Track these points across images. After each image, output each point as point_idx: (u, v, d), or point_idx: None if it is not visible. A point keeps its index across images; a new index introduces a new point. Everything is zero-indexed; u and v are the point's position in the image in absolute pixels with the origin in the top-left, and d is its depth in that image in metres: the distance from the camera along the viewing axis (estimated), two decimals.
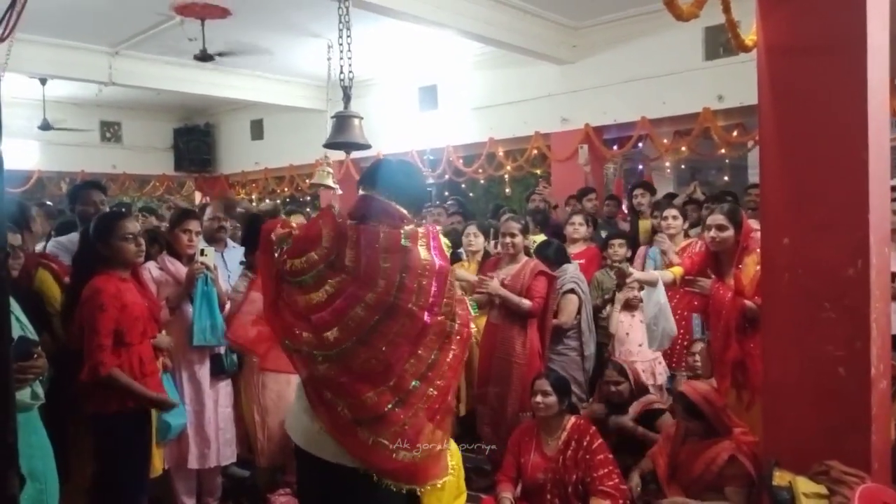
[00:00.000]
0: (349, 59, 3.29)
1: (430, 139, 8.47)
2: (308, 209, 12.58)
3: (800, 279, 2.74)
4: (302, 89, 8.90)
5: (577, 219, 5.32)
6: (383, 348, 2.09)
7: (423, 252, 2.18)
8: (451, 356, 2.19)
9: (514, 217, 4.48)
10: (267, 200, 11.46)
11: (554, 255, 4.45)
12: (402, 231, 2.19)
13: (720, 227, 3.51)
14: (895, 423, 3.35)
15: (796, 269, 2.74)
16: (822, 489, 2.59)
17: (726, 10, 2.78)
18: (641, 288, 3.71)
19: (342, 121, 3.42)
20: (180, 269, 3.76)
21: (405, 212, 2.24)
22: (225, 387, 3.97)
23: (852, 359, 2.64)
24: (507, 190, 9.58)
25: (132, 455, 3.01)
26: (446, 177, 8.71)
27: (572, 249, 5.19)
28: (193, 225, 3.82)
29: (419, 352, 2.14)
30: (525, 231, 4.30)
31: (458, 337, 2.22)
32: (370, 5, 5.16)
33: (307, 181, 10.05)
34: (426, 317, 2.13)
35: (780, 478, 2.70)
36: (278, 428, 3.96)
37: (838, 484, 2.56)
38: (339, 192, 7.78)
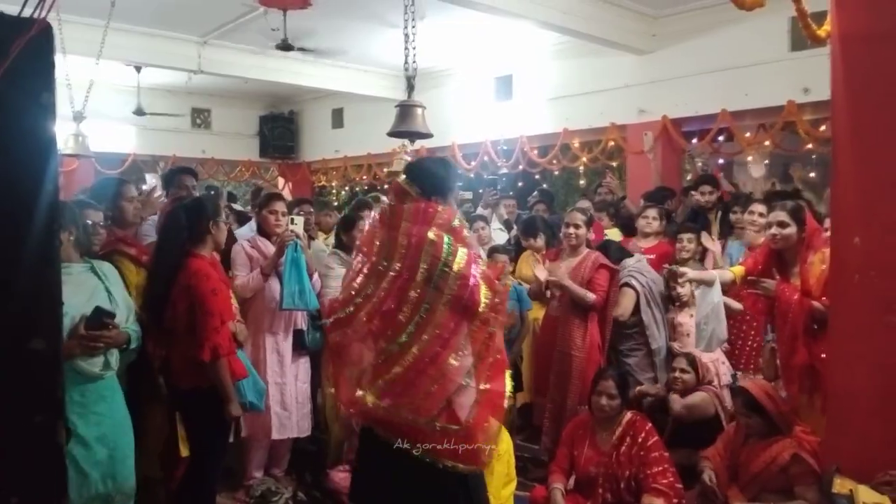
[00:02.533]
0: (414, 49, 3.34)
1: (504, 129, 8.43)
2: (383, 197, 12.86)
3: (870, 281, 2.62)
4: (380, 79, 9.04)
5: (651, 212, 5.20)
6: (371, 308, 2.32)
7: (404, 225, 2.35)
8: (435, 322, 2.26)
9: (577, 208, 4.44)
10: (346, 189, 11.74)
11: (614, 255, 4.39)
12: (389, 208, 2.46)
13: (781, 224, 3.37)
14: None
15: (867, 271, 2.62)
16: (886, 500, 2.48)
17: None
18: (697, 287, 3.59)
19: (405, 110, 3.49)
20: (270, 247, 4.00)
21: (413, 192, 2.45)
22: (305, 363, 4.20)
23: None
24: (582, 182, 9.46)
25: (218, 425, 3.15)
26: (520, 167, 8.67)
27: (643, 244, 5.11)
28: (280, 206, 4.08)
29: (403, 311, 2.27)
30: (589, 223, 4.26)
31: (448, 306, 2.28)
32: None
33: (384, 169, 10.21)
34: (400, 281, 2.29)
35: (841, 485, 2.60)
36: None
37: None
38: None
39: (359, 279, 2.42)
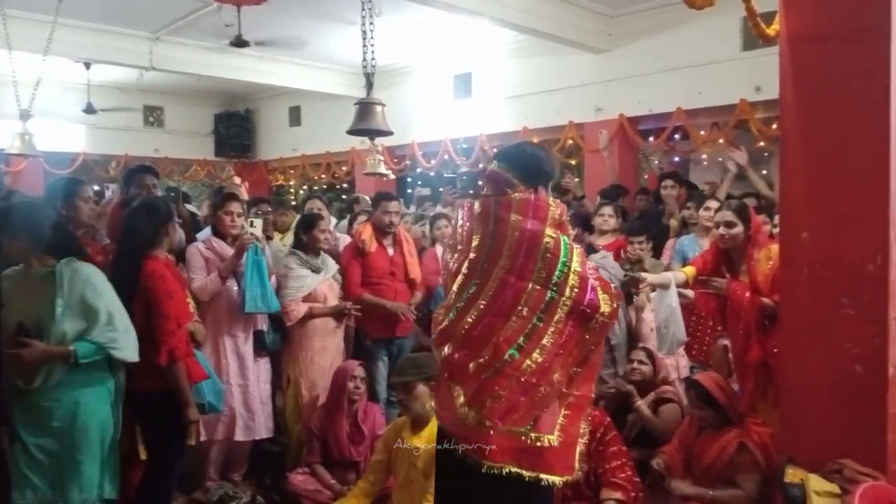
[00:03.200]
0: (372, 46, 3.32)
1: (463, 128, 8.45)
2: (344, 196, 12.75)
3: (819, 275, 2.68)
4: (338, 76, 8.97)
5: (607, 210, 5.27)
6: (476, 312, 2.14)
7: (514, 218, 2.19)
8: (552, 330, 2.12)
9: None
10: (304, 188, 11.62)
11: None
12: (491, 200, 2.27)
13: (728, 224, 3.44)
14: None
15: (815, 265, 2.69)
16: (835, 488, 2.55)
17: None
18: (653, 290, 3.63)
19: (365, 108, 3.46)
20: (224, 248, 3.94)
21: (515, 180, 2.28)
22: (265, 363, 4.20)
23: (870, 357, 2.59)
24: None
25: (175, 429, 3.09)
26: (480, 166, 8.69)
27: (600, 241, 5.16)
28: (235, 206, 4.01)
29: (512, 319, 2.11)
30: None
31: (566, 311, 2.14)
32: None
33: (343, 168, 10.14)
34: (513, 279, 2.13)
35: (793, 475, 2.66)
36: (312, 407, 4.15)
37: (851, 483, 2.52)
38: (392, 177, 7.83)
39: (458, 279, 2.25)
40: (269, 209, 5.12)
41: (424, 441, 3.21)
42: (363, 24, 3.33)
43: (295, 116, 10.76)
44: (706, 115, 6.68)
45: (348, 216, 6.29)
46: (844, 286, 2.62)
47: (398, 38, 7.39)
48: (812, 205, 2.69)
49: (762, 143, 6.66)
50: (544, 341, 2.10)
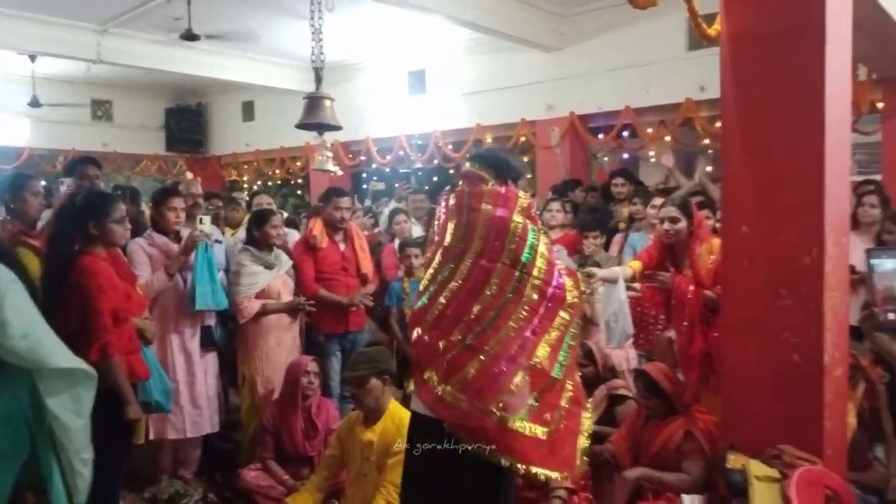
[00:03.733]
0: (321, 40, 3.31)
1: (418, 124, 8.47)
2: (299, 192, 12.65)
3: (758, 267, 2.78)
4: (291, 71, 8.87)
5: (555, 205, 5.35)
6: (448, 293, 2.23)
7: (485, 207, 2.29)
8: (525, 307, 2.18)
9: None
10: (258, 184, 11.48)
11: None
12: (465, 192, 2.37)
13: (672, 220, 3.54)
14: (856, 410, 3.42)
15: (755, 258, 2.79)
16: (775, 473, 2.64)
17: None
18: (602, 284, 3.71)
19: (314, 102, 3.46)
20: (169, 245, 3.88)
21: (487, 176, 2.40)
22: (213, 358, 4.15)
23: (807, 346, 2.69)
24: None
25: (117, 428, 3.03)
26: (434, 162, 8.72)
27: (550, 236, 5.23)
28: (178, 202, 3.95)
29: (482, 297, 2.19)
30: None
31: (537, 292, 2.21)
32: None
33: (298, 164, 10.06)
34: (483, 262, 2.21)
35: (735, 461, 2.75)
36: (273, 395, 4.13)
37: (790, 468, 2.62)
38: (340, 173, 7.79)
39: (432, 266, 2.34)
40: (220, 204, 5.05)
41: (378, 435, 3.22)
42: (312, 19, 3.32)
43: (248, 111, 10.62)
44: (653, 113, 6.84)
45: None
46: (782, 278, 2.72)
47: (353, 34, 7.36)
48: (751, 200, 2.79)
49: (707, 141, 6.84)
50: (515, 315, 2.17)
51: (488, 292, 2.18)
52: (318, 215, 4.73)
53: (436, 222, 2.47)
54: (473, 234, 2.25)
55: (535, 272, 2.21)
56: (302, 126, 3.56)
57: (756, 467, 2.68)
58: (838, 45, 2.69)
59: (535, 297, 2.20)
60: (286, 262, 4.38)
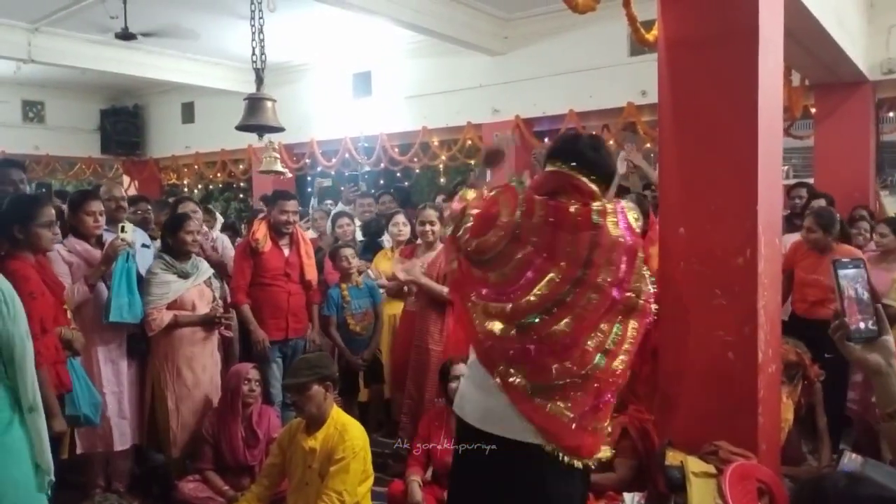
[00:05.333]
0: (262, 40, 3.25)
1: (364, 126, 8.41)
2: (242, 195, 12.42)
3: (693, 267, 2.84)
4: (232, 72, 8.70)
5: None
6: (568, 320, 2.09)
7: (612, 228, 2.15)
8: (630, 329, 2.21)
9: (431, 205, 4.51)
10: (199, 187, 11.23)
11: None
12: (592, 207, 2.16)
13: None
14: (793, 405, 3.52)
15: (690, 258, 2.84)
16: (711, 468, 2.69)
17: (626, 4, 2.85)
18: None
19: (254, 103, 3.39)
20: (90, 251, 3.72)
21: (595, 188, 2.20)
22: (139, 368, 4.00)
23: (741, 344, 2.76)
24: (442, 180, 9.60)
25: None
26: (381, 165, 8.68)
27: None
28: (96, 206, 3.78)
29: (602, 326, 2.15)
30: (443, 219, 4.33)
31: (639, 312, 2.24)
32: None
33: (240, 167, 9.88)
34: (615, 293, 2.13)
35: (673, 457, 2.80)
36: (192, 416, 3.95)
37: (725, 463, 2.68)
38: (289, 175, 7.67)
39: (548, 280, 2.13)
40: (148, 208, 4.85)
41: (320, 442, 3.17)
42: (252, 19, 3.25)
43: (188, 113, 10.37)
44: (597, 117, 6.95)
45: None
46: (717, 278, 2.78)
47: (296, 35, 7.26)
48: (687, 201, 2.84)
49: (649, 145, 6.98)
50: (626, 346, 2.19)
51: (608, 321, 2.17)
52: (263, 219, 4.60)
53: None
54: (599, 257, 2.12)
55: (644, 295, 2.23)
56: (242, 128, 3.48)
57: (693, 463, 2.72)
58: (770, 51, 2.77)
59: (639, 323, 2.24)
60: (205, 271, 4.12)
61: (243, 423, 3.81)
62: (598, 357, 2.13)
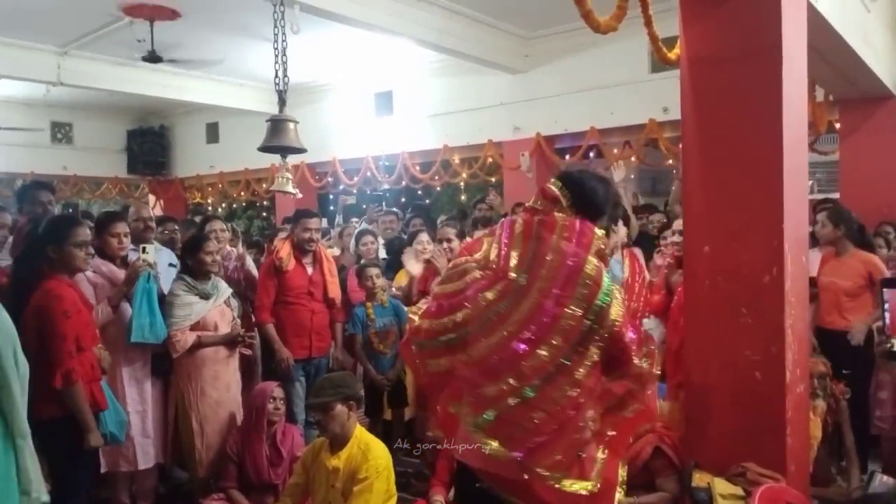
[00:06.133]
0: (284, 62, 3.30)
1: (385, 145, 8.47)
2: (265, 213, 12.54)
3: (719, 286, 2.82)
4: (256, 92, 8.82)
5: None
6: (504, 333, 1.99)
7: (556, 240, 2.08)
8: (585, 366, 1.98)
9: (449, 223, 4.53)
10: (223, 206, 11.36)
11: None
12: (535, 218, 2.17)
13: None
14: (820, 423, 3.46)
15: (716, 277, 2.83)
16: (739, 490, 2.66)
17: (647, 23, 2.86)
18: None
19: (277, 125, 3.43)
20: (115, 272, 3.76)
21: (564, 202, 2.21)
22: (163, 387, 4.01)
23: (768, 363, 2.73)
24: (463, 197, 9.63)
25: (78, 457, 2.96)
26: (403, 183, 8.73)
27: None
28: (121, 227, 3.83)
29: (543, 348, 1.97)
30: (462, 236, 4.34)
31: (601, 338, 2.01)
32: (321, 11, 5.14)
33: (264, 186, 9.98)
34: (548, 304, 1.98)
35: (700, 479, 2.77)
36: (217, 435, 3.96)
37: (753, 485, 2.64)
38: (300, 195, 7.72)
39: (489, 293, 2.06)
40: (175, 228, 4.91)
41: (343, 462, 3.17)
42: (275, 41, 3.31)
43: (212, 133, 10.53)
44: (618, 134, 6.93)
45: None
46: (743, 296, 2.76)
47: (319, 55, 7.36)
48: (712, 219, 2.83)
49: (671, 161, 6.95)
50: (577, 375, 1.98)
51: (554, 342, 1.96)
52: (286, 238, 4.64)
53: (496, 245, 2.19)
54: (540, 269, 2.03)
55: (606, 322, 2.00)
56: (265, 149, 3.52)
57: (721, 485, 2.69)
58: (794, 67, 2.76)
59: (598, 357, 2.00)
60: (224, 291, 4.12)
61: (267, 441, 3.82)
62: (535, 381, 1.97)
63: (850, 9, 4.26)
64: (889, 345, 1.44)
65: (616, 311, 2.01)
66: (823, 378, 3.52)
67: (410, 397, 4.81)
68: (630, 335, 2.06)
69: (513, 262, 2.09)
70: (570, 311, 1.98)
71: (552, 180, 2.30)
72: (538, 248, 2.07)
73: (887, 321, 1.43)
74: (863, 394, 4.10)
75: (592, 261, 2.04)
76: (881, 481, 2.58)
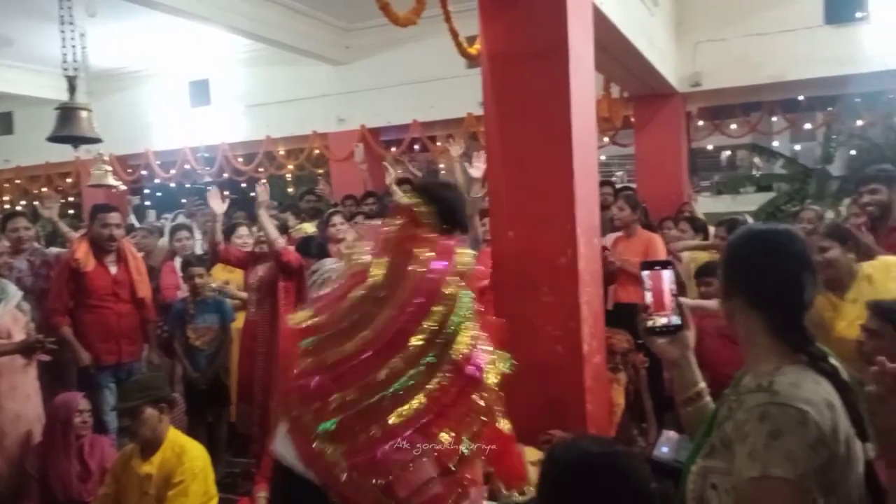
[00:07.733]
0: (73, 45, 3.07)
1: (203, 136, 8.12)
2: (73, 210, 11.53)
3: (523, 268, 3.01)
4: (53, 79, 8.01)
5: (337, 219, 5.32)
6: (354, 345, 1.94)
7: (417, 254, 2.02)
8: (435, 382, 1.92)
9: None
10: (23, 203, 10.31)
11: (315, 250, 4.46)
12: (397, 232, 2.11)
13: None
14: (623, 393, 3.79)
15: (520, 259, 3.01)
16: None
17: (447, 19, 2.97)
18: None
19: (67, 112, 3.18)
20: None
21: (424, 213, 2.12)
22: None
23: (567, 337, 2.96)
24: (290, 189, 9.47)
25: None
26: (224, 175, 8.41)
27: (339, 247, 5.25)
28: None
29: (392, 362, 1.92)
30: (284, 230, 4.30)
31: (447, 364, 1.95)
32: None
33: (68, 180, 9.20)
34: (403, 320, 1.94)
35: None
36: (17, 450, 3.65)
37: None
38: (123, 188, 7.20)
39: (351, 299, 2.01)
40: None
41: (156, 467, 3.03)
42: (61, 23, 3.06)
43: (6, 123, 9.52)
44: (440, 127, 7.14)
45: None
46: (544, 277, 2.96)
47: (126, 41, 6.90)
48: (514, 207, 3.02)
49: None
50: (424, 391, 1.92)
51: (402, 357, 1.92)
52: (83, 237, 4.28)
53: (356, 252, 2.15)
54: (399, 283, 1.99)
55: (457, 345, 1.96)
56: (54, 139, 3.25)
57: (530, 452, 2.88)
58: (582, 66, 3.00)
59: (449, 375, 1.95)
60: (14, 295, 3.82)
61: (75, 456, 3.56)
62: (382, 393, 1.93)
63: (634, 12, 4.67)
64: (650, 322, 1.60)
65: (465, 335, 1.98)
66: (626, 354, 3.86)
67: (234, 393, 4.69)
68: (474, 365, 2.01)
69: (373, 271, 2.05)
70: (421, 328, 1.96)
71: (403, 195, 2.28)
72: (400, 262, 2.05)
73: (648, 300, 1.59)
74: (658, 360, 4.53)
75: (452, 280, 2.03)
76: (667, 437, 2.88)
